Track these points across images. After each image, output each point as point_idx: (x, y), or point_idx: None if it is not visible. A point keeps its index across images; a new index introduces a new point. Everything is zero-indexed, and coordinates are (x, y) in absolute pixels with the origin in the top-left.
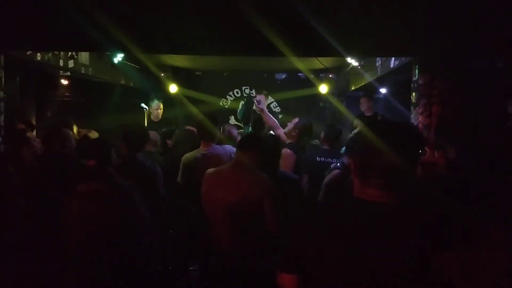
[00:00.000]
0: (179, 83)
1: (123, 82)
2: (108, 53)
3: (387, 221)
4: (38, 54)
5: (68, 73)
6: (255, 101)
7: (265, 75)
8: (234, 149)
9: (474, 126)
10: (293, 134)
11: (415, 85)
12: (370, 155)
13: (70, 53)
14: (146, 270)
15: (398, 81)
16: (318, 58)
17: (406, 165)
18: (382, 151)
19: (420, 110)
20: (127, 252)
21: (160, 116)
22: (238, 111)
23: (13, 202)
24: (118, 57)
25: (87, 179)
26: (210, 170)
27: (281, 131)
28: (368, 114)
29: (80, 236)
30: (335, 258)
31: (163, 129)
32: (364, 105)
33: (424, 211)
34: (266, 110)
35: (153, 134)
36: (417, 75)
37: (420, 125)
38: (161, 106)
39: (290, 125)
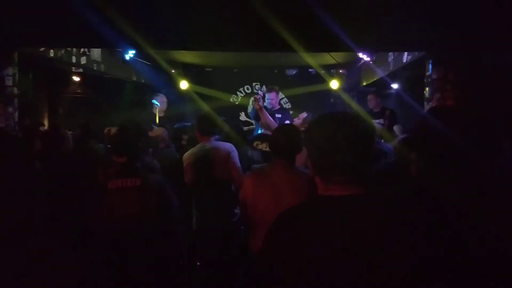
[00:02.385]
0: (190, 79)
1: (134, 79)
2: (120, 49)
3: (354, 210)
4: (51, 51)
5: (80, 70)
6: (256, 98)
7: (276, 71)
8: (233, 148)
9: (489, 120)
10: (302, 129)
11: (429, 79)
12: (325, 155)
13: (82, 50)
14: (178, 264)
15: (410, 76)
16: (330, 53)
17: (360, 159)
18: (335, 150)
19: (434, 105)
20: (162, 245)
21: (164, 110)
22: (249, 107)
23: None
24: (130, 54)
25: (119, 175)
26: (251, 173)
27: None
28: (376, 110)
29: (116, 232)
30: (312, 260)
31: (176, 125)
32: (372, 102)
33: (386, 201)
34: (264, 109)
35: (160, 131)
36: (430, 69)
37: None
38: (165, 99)
39: (297, 120)
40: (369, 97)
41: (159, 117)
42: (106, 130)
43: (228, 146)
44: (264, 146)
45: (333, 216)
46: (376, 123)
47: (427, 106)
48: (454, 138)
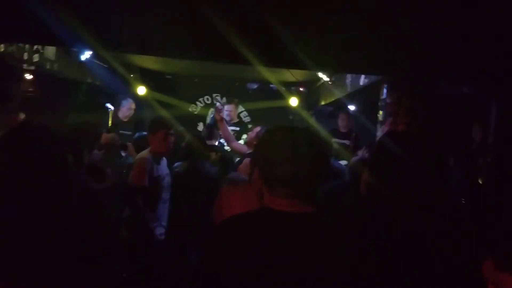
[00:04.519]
0: (148, 85)
1: (89, 80)
2: (75, 49)
3: (293, 230)
4: (2, 45)
5: (32, 67)
6: (218, 108)
7: (237, 84)
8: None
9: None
10: (254, 143)
11: (383, 103)
12: (272, 165)
13: (35, 47)
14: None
15: (366, 99)
16: (290, 70)
17: (310, 173)
18: (283, 161)
19: (386, 128)
20: (90, 259)
21: (130, 116)
22: (208, 118)
23: None
24: (86, 55)
25: None
26: None
27: (236, 144)
28: (343, 130)
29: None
30: (244, 273)
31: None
32: (344, 121)
33: (332, 219)
34: (224, 121)
35: (110, 136)
36: (385, 93)
37: None
38: (134, 106)
39: (251, 134)
40: (342, 116)
41: (119, 122)
42: None
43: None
44: (213, 155)
45: (275, 232)
46: (341, 143)
47: (380, 129)
48: (406, 161)
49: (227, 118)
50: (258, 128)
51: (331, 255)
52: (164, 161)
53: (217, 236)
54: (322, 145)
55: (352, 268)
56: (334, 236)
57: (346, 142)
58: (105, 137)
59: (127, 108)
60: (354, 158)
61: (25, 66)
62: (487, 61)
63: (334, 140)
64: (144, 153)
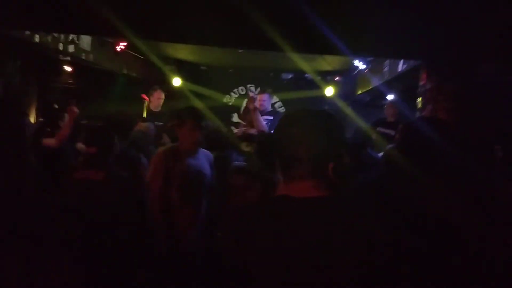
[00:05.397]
0: (183, 77)
1: (125, 72)
2: (110, 39)
3: (306, 216)
4: (37, 36)
5: (70, 59)
6: (252, 98)
7: (271, 74)
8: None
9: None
10: None
11: (422, 89)
12: (292, 145)
13: (70, 38)
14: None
15: (406, 86)
16: (326, 59)
17: (323, 153)
18: (303, 140)
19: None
20: (115, 243)
21: (160, 106)
22: (242, 109)
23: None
24: (121, 45)
25: (85, 166)
26: None
27: None
28: (390, 120)
29: (72, 224)
30: (258, 261)
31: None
32: (390, 110)
33: (354, 203)
34: (258, 111)
35: (143, 126)
36: (424, 79)
37: None
38: (163, 95)
39: None
40: (388, 105)
41: (152, 112)
42: None
43: None
44: (244, 146)
45: (288, 218)
46: (385, 132)
47: (417, 116)
48: (445, 148)
49: (261, 108)
50: None
51: (344, 239)
52: (198, 155)
53: (234, 226)
54: (339, 127)
55: (367, 254)
56: (350, 221)
57: (392, 132)
58: (140, 126)
59: (156, 98)
60: (388, 146)
61: (60, 56)
62: None
63: (380, 129)
64: (166, 147)
